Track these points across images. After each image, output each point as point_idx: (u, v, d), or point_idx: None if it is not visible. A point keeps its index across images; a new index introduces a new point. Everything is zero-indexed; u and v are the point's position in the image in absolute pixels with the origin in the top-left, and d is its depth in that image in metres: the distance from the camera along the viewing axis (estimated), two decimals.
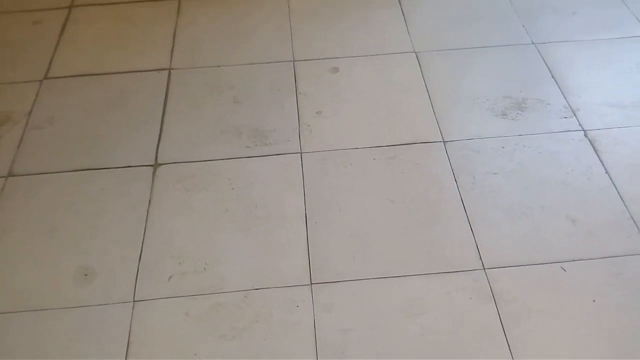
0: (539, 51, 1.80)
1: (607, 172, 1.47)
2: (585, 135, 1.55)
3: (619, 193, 1.42)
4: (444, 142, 1.56)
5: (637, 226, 1.35)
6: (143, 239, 1.34)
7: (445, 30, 1.89)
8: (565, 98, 1.65)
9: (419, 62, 1.79)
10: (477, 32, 1.88)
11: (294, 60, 1.80)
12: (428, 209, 1.40)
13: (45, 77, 1.76)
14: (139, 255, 1.31)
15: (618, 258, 1.29)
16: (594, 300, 1.21)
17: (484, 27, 1.89)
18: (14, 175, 1.49)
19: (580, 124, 1.58)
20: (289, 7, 1.99)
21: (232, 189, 1.45)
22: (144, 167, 1.51)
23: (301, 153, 1.54)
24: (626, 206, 1.39)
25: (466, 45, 1.83)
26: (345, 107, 1.66)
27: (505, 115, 1.61)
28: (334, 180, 1.47)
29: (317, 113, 1.64)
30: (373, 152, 1.54)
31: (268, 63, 1.79)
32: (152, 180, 1.48)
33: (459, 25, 1.90)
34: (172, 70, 1.77)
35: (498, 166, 1.49)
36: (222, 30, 1.91)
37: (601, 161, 1.49)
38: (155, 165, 1.51)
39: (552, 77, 1.72)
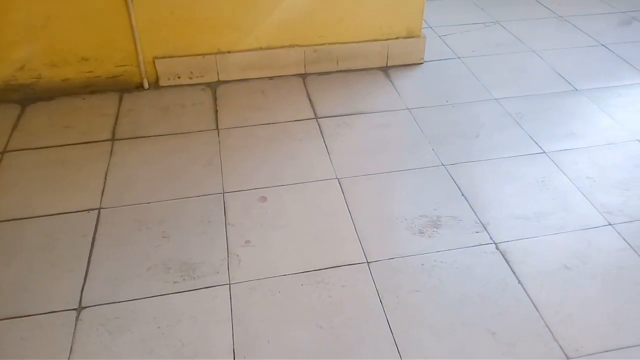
0: (448, 172, 1.97)
1: (520, 283, 1.56)
2: (497, 248, 1.67)
3: (532, 302, 1.50)
4: (368, 262, 1.63)
5: (552, 334, 1.42)
6: None
7: (364, 157, 2.05)
8: (475, 214, 1.79)
9: (341, 187, 1.91)
10: (392, 157, 2.05)
11: (224, 192, 1.88)
12: (356, 333, 1.42)
13: None
14: None
15: None
16: None
17: (399, 153, 2.07)
18: None
19: (491, 238, 1.70)
20: (219, 142, 2.12)
21: (158, 327, 1.43)
22: (67, 311, 1.48)
23: (230, 284, 1.56)
24: (540, 315, 1.47)
25: (383, 170, 1.98)
26: (273, 235, 1.72)
27: (423, 233, 1.72)
28: (263, 310, 1.48)
29: (245, 242, 1.69)
30: (301, 277, 1.58)
31: (198, 196, 1.86)
32: (75, 326, 1.44)
33: (376, 153, 2.07)
34: (101, 210, 1.80)
35: (419, 284, 1.56)
36: (154, 167, 1.99)
37: (513, 272, 1.59)
38: (79, 309, 1.48)
39: (462, 194, 1.87)
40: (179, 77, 2.46)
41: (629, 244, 1.68)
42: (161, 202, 1.83)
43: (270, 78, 2.53)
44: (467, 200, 1.84)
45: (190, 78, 2.47)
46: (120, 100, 2.38)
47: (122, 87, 2.44)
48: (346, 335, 1.42)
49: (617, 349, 1.38)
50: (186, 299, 1.51)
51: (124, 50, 2.37)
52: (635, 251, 1.66)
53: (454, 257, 1.63)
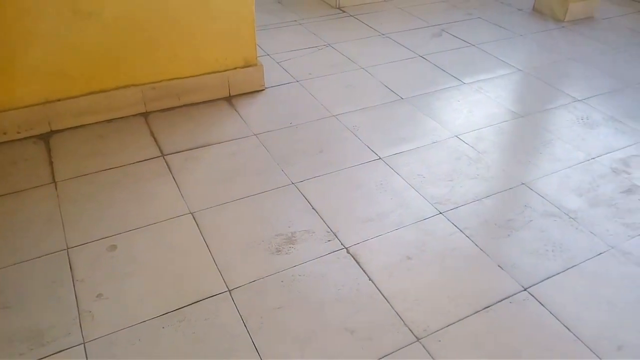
0: (298, 189, 2.07)
1: (370, 280, 1.69)
2: (348, 252, 1.79)
3: (383, 295, 1.64)
4: (229, 290, 1.64)
5: (402, 320, 1.56)
6: None
7: (216, 187, 2.07)
8: (326, 224, 1.90)
9: (196, 221, 1.91)
10: (245, 183, 2.10)
11: (68, 248, 1.77)
12: None
13: None
14: None
15: (394, 353, 1.46)
16: None
17: (250, 178, 2.13)
18: None
19: (341, 243, 1.82)
20: (57, 195, 2.00)
21: None
22: None
23: (84, 343, 1.47)
24: (391, 305, 1.60)
25: (237, 197, 2.02)
26: (127, 283, 1.66)
27: (280, 251, 1.78)
28: None
29: (97, 296, 1.61)
30: (161, 320, 1.55)
31: (39, 257, 1.73)
32: None
33: (228, 181, 2.11)
34: None
35: (280, 300, 1.61)
36: None
37: (364, 271, 1.72)
38: None
39: (313, 208, 1.98)
40: (5, 134, 2.27)
41: (457, 228, 1.91)
42: None
43: (109, 121, 2.45)
44: (318, 213, 1.95)
45: (19, 132, 2.29)
46: None
47: None
48: None
49: (457, 322, 1.56)
50: None
51: None
52: (463, 232, 1.89)
53: (310, 268, 1.72)
